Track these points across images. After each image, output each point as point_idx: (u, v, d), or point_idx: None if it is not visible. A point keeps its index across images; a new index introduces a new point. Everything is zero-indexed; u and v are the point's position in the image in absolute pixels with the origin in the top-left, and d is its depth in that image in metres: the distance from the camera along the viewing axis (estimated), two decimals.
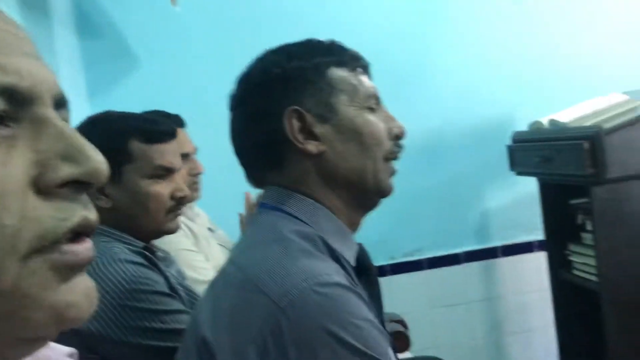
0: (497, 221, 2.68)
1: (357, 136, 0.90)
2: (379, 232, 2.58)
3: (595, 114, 1.93)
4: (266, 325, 0.73)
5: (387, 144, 0.93)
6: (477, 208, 2.68)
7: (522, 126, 2.36)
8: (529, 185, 2.35)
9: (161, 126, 1.26)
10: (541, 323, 2.59)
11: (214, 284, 0.88)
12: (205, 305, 0.84)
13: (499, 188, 2.66)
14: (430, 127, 2.58)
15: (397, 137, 0.96)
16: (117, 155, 1.17)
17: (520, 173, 2.29)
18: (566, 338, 2.23)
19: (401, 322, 1.56)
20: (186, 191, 1.27)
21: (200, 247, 1.82)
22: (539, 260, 2.42)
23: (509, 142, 2.31)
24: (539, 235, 2.45)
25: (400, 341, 1.59)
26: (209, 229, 2.00)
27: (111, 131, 1.19)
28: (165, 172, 1.24)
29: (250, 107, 0.93)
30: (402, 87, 2.48)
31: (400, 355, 1.72)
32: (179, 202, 1.26)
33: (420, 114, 2.56)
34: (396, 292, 2.61)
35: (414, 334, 2.53)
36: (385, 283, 2.59)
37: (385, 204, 2.83)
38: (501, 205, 2.68)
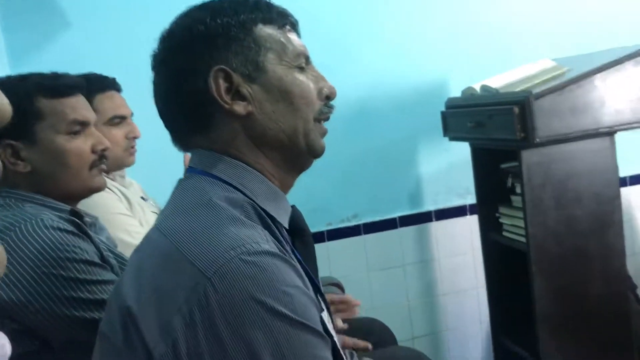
0: (431, 186, 2.73)
1: (286, 96, 0.88)
2: (316, 199, 2.59)
3: (525, 79, 1.97)
4: (192, 295, 0.71)
5: (318, 104, 0.92)
6: (412, 173, 2.72)
7: (456, 92, 2.40)
8: (463, 151, 2.40)
9: (65, 80, 1.21)
10: (473, 283, 2.69)
11: (138, 250, 0.85)
12: (129, 273, 0.81)
13: (433, 154, 2.71)
14: (365, 93, 2.59)
15: (328, 98, 0.94)
16: (25, 116, 1.12)
17: (453, 138, 2.33)
18: (496, 297, 2.31)
19: (338, 285, 1.57)
20: (106, 143, 1.22)
21: (135, 213, 1.78)
22: (472, 223, 2.50)
23: (442, 108, 2.35)
24: (471, 199, 2.52)
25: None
26: (142, 198, 1.95)
27: (14, 93, 1.13)
28: (81, 126, 1.20)
29: (173, 67, 0.88)
30: (334, 51, 2.48)
31: None
32: (101, 156, 1.22)
33: (356, 80, 2.56)
34: (334, 257, 2.64)
35: (353, 297, 2.58)
36: (324, 249, 2.64)
37: (321, 171, 2.84)
38: (435, 171, 2.73)
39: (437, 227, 2.76)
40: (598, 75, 1.83)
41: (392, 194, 2.70)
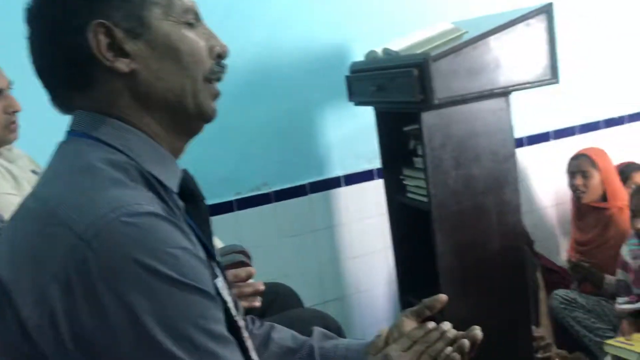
0: (339, 151, 2.75)
1: (173, 53, 0.83)
2: (224, 169, 2.55)
3: (425, 42, 2.00)
4: (70, 260, 0.67)
5: (208, 63, 0.88)
6: (321, 139, 2.72)
7: (361, 56, 2.41)
8: (369, 115, 2.42)
9: None
10: (381, 245, 2.75)
11: (13, 219, 0.79)
12: (1, 243, 0.75)
13: (341, 119, 2.71)
14: (269, 59, 2.55)
15: (220, 56, 0.90)
16: None
17: (358, 103, 2.34)
18: (402, 257, 2.38)
19: (243, 253, 1.56)
20: None
21: (22, 190, 1.67)
22: (380, 187, 2.54)
23: (347, 72, 2.35)
24: (379, 163, 2.56)
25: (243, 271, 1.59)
26: (33, 171, 1.83)
27: None
28: None
29: (48, 21, 0.82)
30: (235, 14, 2.42)
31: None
32: None
33: (260, 45, 2.52)
34: (244, 226, 2.61)
35: (265, 265, 2.55)
36: (233, 218, 2.60)
37: (228, 139, 2.77)
38: (343, 136, 2.74)
39: (346, 192, 2.79)
40: (492, 37, 1.89)
41: (301, 160, 2.70)
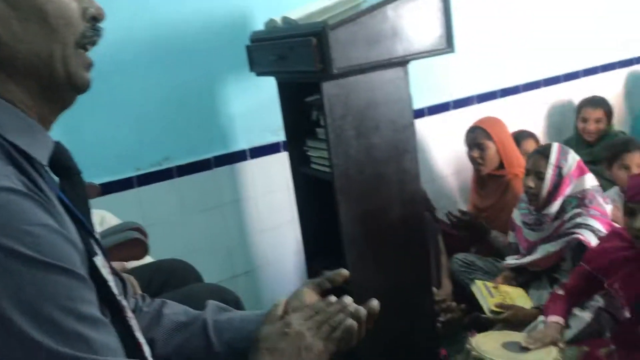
0: (244, 124, 2.71)
1: (39, 14, 0.76)
2: (122, 144, 2.44)
3: (324, 10, 1.99)
4: None
5: (80, 26, 0.81)
6: (224, 112, 2.66)
7: (260, 25, 2.36)
8: (273, 86, 2.39)
9: None
10: (289, 217, 2.75)
11: None
12: None
13: (244, 90, 2.67)
14: (168, 29, 2.45)
15: (95, 19, 0.84)
16: None
17: (260, 73, 2.30)
18: (309, 228, 2.39)
19: (138, 230, 1.51)
20: None
21: None
22: (285, 160, 2.53)
23: (248, 42, 2.30)
24: (284, 135, 2.54)
25: (137, 248, 1.54)
26: None
27: None
28: None
29: None
30: None
31: (139, 262, 1.67)
32: None
33: (157, 14, 2.41)
34: (147, 203, 2.53)
35: (170, 242, 2.51)
36: (134, 195, 2.51)
37: (125, 113, 2.66)
38: (248, 108, 2.70)
39: (252, 165, 2.76)
40: (389, 6, 1.89)
41: (204, 133, 2.63)
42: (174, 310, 1.06)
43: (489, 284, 2.38)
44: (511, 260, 2.48)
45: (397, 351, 2.15)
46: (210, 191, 2.67)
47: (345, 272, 1.06)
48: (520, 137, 3.21)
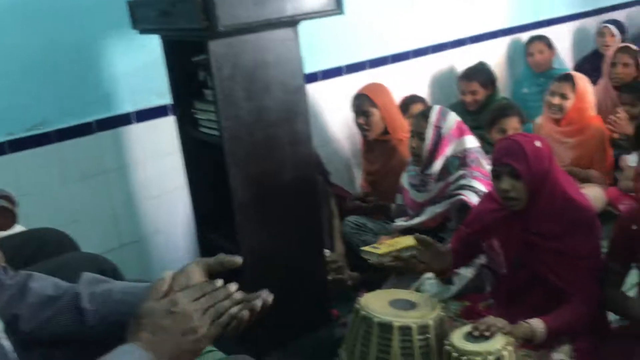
0: (128, 86, 2.56)
1: None
2: None
3: None
4: None
5: None
6: (106, 72, 2.50)
7: None
8: (159, 45, 2.26)
9: None
10: (178, 184, 2.66)
11: None
12: None
13: (128, 50, 2.52)
14: None
15: None
16: None
17: (143, 31, 2.17)
18: (199, 193, 2.32)
19: (6, 198, 1.38)
20: None
21: None
22: (173, 123, 2.42)
23: None
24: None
25: (5, 217, 1.42)
26: None
27: None
28: None
29: None
30: None
31: (6, 232, 1.54)
32: None
33: None
34: (21, 171, 2.35)
35: (49, 212, 2.35)
36: (7, 163, 2.31)
37: None
38: (132, 69, 2.55)
39: (138, 129, 2.63)
40: None
41: (85, 95, 2.46)
42: (42, 283, 0.98)
43: (376, 245, 2.42)
44: (400, 222, 2.55)
45: (288, 314, 2.15)
46: (92, 157, 2.52)
47: (239, 260, 1.01)
48: (411, 101, 3.28)
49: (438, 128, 2.38)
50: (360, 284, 2.60)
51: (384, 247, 2.35)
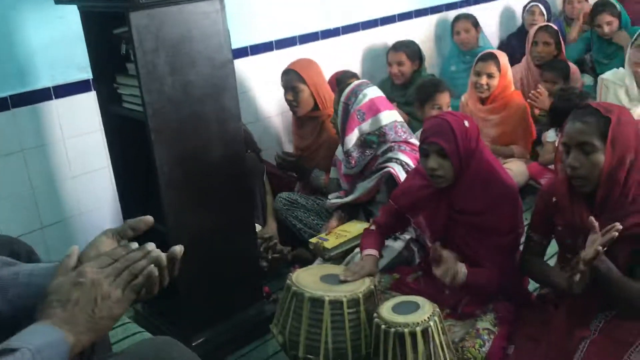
0: (47, 59, 2.44)
1: None
2: None
3: None
4: None
5: None
6: (22, 46, 2.36)
7: None
8: (79, 17, 2.15)
9: None
10: (102, 163, 2.56)
11: None
12: None
13: (44, 21, 2.38)
14: None
15: None
16: None
17: (59, 1, 2.05)
18: (124, 172, 2.24)
19: None
20: None
21: None
22: (95, 99, 2.32)
23: None
24: None
25: None
26: None
27: None
28: None
29: None
30: None
31: None
32: None
33: None
34: None
35: None
36: None
37: None
38: (50, 42, 2.42)
39: (58, 106, 2.51)
40: None
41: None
42: None
43: (322, 235, 2.41)
44: (335, 200, 2.56)
45: (221, 292, 2.13)
46: (8, 135, 2.39)
47: (149, 219, 0.99)
48: (343, 77, 3.27)
49: (346, 105, 2.40)
50: (293, 260, 2.60)
51: (332, 237, 2.36)
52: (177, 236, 1.97)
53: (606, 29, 3.85)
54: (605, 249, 1.56)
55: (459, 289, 1.86)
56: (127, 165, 2.21)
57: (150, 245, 0.93)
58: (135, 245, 0.93)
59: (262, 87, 3.22)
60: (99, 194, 2.65)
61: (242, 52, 3.05)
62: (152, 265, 0.90)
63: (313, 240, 2.37)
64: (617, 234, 1.56)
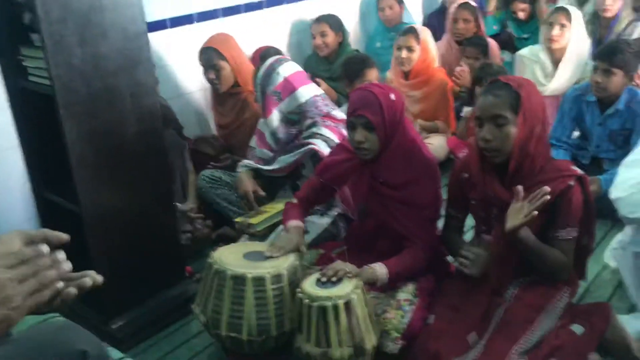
0: None
1: None
2: None
3: None
4: None
5: None
6: None
7: None
8: None
9: None
10: (10, 142, 2.40)
11: None
12: None
13: None
14: None
15: None
16: None
17: None
18: (34, 150, 2.12)
19: None
20: None
21: None
22: None
23: None
24: None
25: None
26: None
27: None
28: None
29: None
30: None
31: None
32: None
33: None
34: None
35: None
36: None
37: None
38: None
39: None
40: None
41: None
42: None
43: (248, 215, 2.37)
44: (248, 162, 2.52)
45: (140, 273, 2.06)
46: None
47: (65, 237, 0.91)
48: (267, 54, 3.21)
49: (262, 86, 2.37)
50: (217, 239, 2.55)
51: (258, 214, 2.33)
52: (91, 216, 1.89)
53: (521, 15, 3.99)
54: (533, 215, 1.62)
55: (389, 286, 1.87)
56: (37, 143, 2.09)
57: (61, 255, 0.87)
58: (46, 248, 0.85)
59: (183, 62, 3.11)
60: (8, 174, 2.48)
61: (160, 25, 2.93)
62: (61, 282, 0.84)
63: (239, 219, 2.33)
64: (548, 197, 1.62)
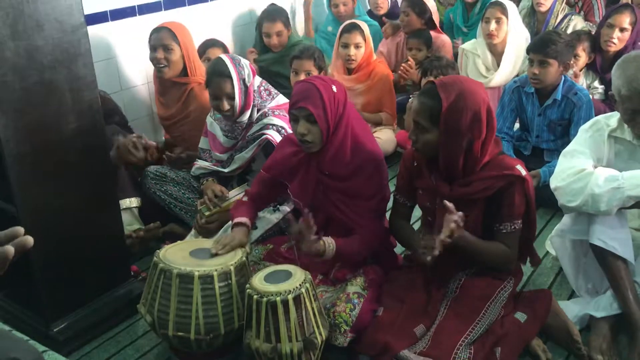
0: None
1: None
2: None
3: None
4: None
5: None
6: None
7: None
8: None
9: None
10: None
11: None
12: None
13: None
14: None
15: None
16: None
17: None
18: None
19: None
20: None
21: None
22: None
23: None
24: None
25: None
26: None
27: None
28: None
29: None
30: None
31: None
32: None
33: None
34: None
35: None
36: None
37: None
38: None
39: None
40: None
41: None
42: None
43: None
44: (206, 166, 2.48)
45: (82, 273, 2.00)
46: None
47: (21, 231, 0.88)
48: (210, 45, 3.16)
49: (241, 79, 2.29)
50: (165, 236, 2.50)
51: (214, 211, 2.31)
52: (28, 216, 1.81)
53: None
54: (459, 225, 1.66)
55: (331, 261, 1.88)
56: None
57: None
58: None
59: (125, 55, 3.03)
60: None
61: (100, 17, 2.84)
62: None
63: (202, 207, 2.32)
64: (455, 225, 1.64)
